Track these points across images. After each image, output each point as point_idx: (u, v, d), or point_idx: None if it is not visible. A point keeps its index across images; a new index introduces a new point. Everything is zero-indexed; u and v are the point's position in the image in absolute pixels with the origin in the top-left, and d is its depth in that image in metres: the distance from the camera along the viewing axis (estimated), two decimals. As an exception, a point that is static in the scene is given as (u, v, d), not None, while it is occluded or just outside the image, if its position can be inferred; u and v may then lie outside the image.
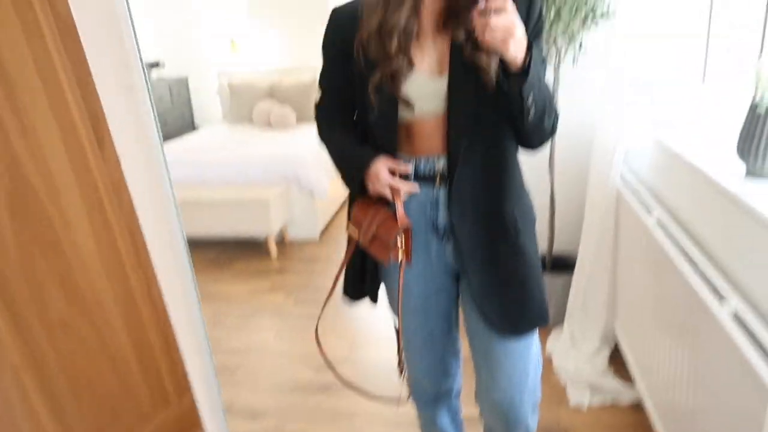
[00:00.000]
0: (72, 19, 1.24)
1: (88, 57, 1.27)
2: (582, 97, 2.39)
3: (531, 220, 1.28)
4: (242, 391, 2.34)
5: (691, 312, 1.43)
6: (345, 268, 1.38)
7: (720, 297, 1.31)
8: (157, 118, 1.43)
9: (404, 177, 1.22)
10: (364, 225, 1.23)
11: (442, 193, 1.22)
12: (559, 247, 2.65)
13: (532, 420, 1.39)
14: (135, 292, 1.52)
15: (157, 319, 1.58)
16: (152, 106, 1.42)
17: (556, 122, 1.19)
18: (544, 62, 1.16)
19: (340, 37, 1.19)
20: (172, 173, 3.89)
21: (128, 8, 1.28)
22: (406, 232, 1.18)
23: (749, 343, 1.15)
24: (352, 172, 1.24)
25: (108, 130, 1.35)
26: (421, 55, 1.14)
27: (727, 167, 1.45)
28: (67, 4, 1.23)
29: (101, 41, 1.27)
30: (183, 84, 5.69)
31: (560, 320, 2.48)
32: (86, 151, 1.34)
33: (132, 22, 1.30)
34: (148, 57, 5.62)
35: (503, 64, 1.03)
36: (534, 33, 1.12)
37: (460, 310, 1.39)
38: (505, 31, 0.95)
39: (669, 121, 1.99)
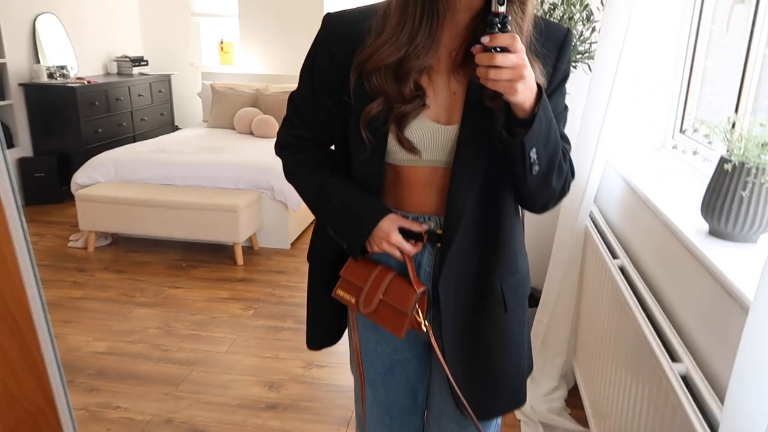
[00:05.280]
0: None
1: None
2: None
3: (523, 294, 1.14)
4: (184, 405, 2.25)
5: (644, 366, 1.40)
6: (314, 317, 1.23)
7: (672, 356, 1.28)
8: (4, 142, 1.35)
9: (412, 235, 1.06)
10: (365, 290, 1.07)
11: (426, 257, 1.07)
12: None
13: None
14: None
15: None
16: None
17: (569, 182, 1.04)
18: (566, 109, 1.05)
19: (333, 54, 1.01)
20: (142, 172, 3.87)
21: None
22: (422, 297, 1.04)
23: (693, 405, 1.11)
24: (353, 230, 1.06)
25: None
26: (433, 97, 0.99)
27: (692, 222, 1.42)
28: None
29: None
30: (165, 82, 5.61)
31: (523, 399, 2.43)
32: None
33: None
34: (133, 52, 5.54)
35: (508, 110, 0.90)
36: (562, 76, 1.02)
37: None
38: (513, 72, 0.81)
39: (643, 168, 1.97)
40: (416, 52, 0.93)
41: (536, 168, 0.92)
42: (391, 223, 1.03)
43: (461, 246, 1.03)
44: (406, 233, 1.05)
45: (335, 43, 1.01)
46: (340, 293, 1.11)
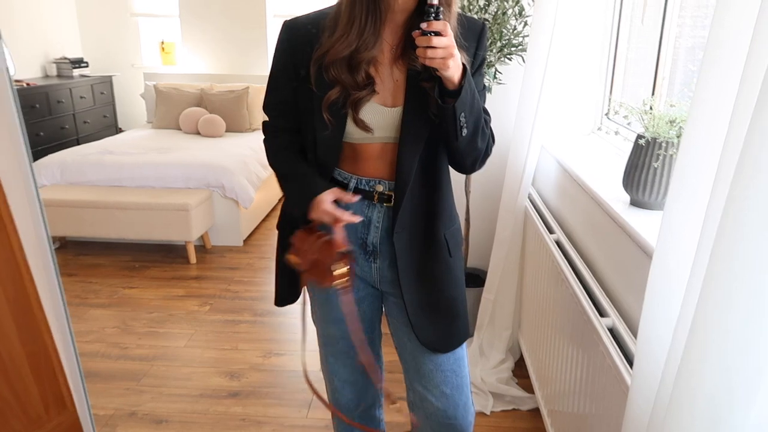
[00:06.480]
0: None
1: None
2: (497, 124, 2.51)
3: (460, 243, 1.36)
4: (146, 398, 2.29)
5: (578, 327, 1.54)
6: (280, 278, 1.41)
7: (601, 313, 1.43)
8: (24, 126, 1.41)
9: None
10: (304, 251, 1.24)
11: (375, 214, 1.26)
12: (471, 263, 2.76)
13: (471, 427, 1.42)
14: (31, 296, 1.48)
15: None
16: (20, 116, 1.40)
17: (491, 145, 1.25)
18: (485, 88, 1.25)
19: (293, 54, 1.21)
20: (90, 174, 3.81)
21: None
22: (346, 256, 1.20)
23: (617, 350, 1.27)
24: (297, 199, 1.26)
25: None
26: (380, 84, 1.18)
27: (615, 195, 1.57)
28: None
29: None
30: (107, 84, 5.52)
31: (471, 332, 2.58)
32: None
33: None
34: (72, 54, 5.43)
35: (440, 83, 1.09)
36: (480, 60, 1.22)
37: (388, 327, 1.43)
38: (445, 51, 1.01)
39: (574, 151, 2.13)
40: (365, 45, 1.13)
41: (465, 131, 1.12)
42: (326, 195, 1.20)
43: (410, 204, 1.24)
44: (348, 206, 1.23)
45: (296, 44, 1.21)
46: (290, 258, 1.27)
